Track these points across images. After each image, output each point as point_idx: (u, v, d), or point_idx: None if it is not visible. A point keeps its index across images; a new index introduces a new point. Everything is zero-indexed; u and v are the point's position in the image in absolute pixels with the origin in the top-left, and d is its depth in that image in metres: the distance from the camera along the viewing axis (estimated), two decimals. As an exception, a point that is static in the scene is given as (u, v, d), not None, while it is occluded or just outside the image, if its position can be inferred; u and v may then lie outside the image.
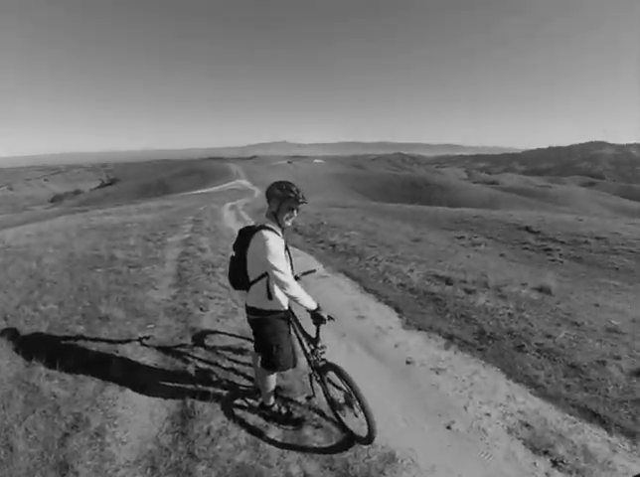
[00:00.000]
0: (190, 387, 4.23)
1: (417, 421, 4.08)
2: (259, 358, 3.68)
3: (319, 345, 3.66)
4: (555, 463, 3.59)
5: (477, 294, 7.39)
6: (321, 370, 3.73)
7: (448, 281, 8.15)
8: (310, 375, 3.99)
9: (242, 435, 3.59)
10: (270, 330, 3.52)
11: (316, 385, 3.97)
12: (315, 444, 3.58)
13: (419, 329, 6.14)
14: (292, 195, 3.33)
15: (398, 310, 6.82)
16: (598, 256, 13.86)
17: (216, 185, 73.67)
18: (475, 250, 14.52)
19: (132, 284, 7.03)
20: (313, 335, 3.69)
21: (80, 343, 5.00)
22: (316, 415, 3.94)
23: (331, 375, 3.70)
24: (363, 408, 3.33)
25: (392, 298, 7.31)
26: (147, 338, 5.26)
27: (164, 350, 4.99)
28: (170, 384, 4.32)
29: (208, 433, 3.56)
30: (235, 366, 4.77)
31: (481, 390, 4.65)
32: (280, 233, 3.38)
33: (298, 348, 4.04)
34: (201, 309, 6.15)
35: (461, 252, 13.02)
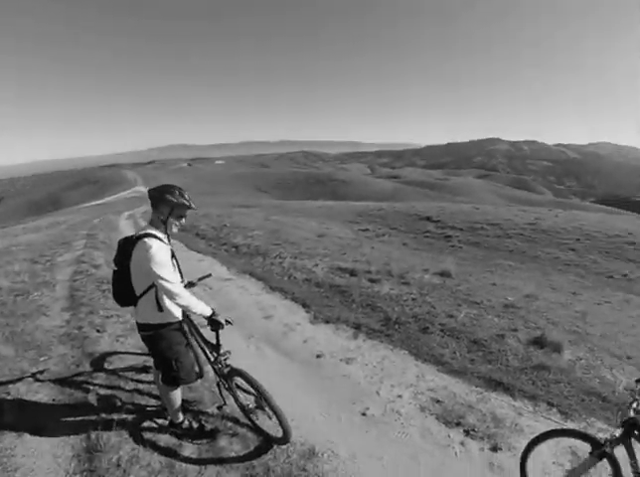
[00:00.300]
0: (93, 417, 3.93)
1: (333, 413, 4.17)
2: (160, 374, 3.56)
3: (221, 351, 3.61)
4: (467, 433, 3.89)
5: (381, 283, 7.74)
6: (227, 376, 3.68)
7: (353, 273, 8.44)
8: (218, 383, 3.91)
9: (156, 459, 3.43)
10: (166, 344, 3.38)
11: (225, 392, 3.90)
12: (233, 454, 3.52)
13: (327, 322, 6.29)
14: (185, 201, 3.23)
15: (304, 306, 6.93)
16: (494, 241, 15.29)
17: (112, 194, 69.66)
18: (379, 241, 15.21)
19: (20, 315, 6.38)
20: (214, 342, 3.62)
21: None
22: (230, 424, 3.88)
23: (238, 380, 3.67)
24: (273, 410, 3.37)
25: (298, 294, 7.42)
26: (41, 372, 4.75)
27: (61, 382, 4.56)
28: (72, 418, 3.97)
29: (118, 465, 3.37)
30: (139, 386, 4.51)
31: (391, 373, 4.88)
32: (166, 240, 3.26)
33: (203, 357, 3.99)
34: (98, 331, 5.76)
35: (366, 244, 13.55)
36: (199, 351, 4.02)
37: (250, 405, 3.73)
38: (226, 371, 3.63)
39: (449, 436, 3.85)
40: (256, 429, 3.76)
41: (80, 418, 3.97)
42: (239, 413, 3.95)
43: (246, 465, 3.39)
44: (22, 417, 4.00)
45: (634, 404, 2.74)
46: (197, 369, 4.04)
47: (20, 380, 4.68)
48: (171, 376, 3.46)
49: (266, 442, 3.64)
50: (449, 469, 3.50)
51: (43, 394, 4.41)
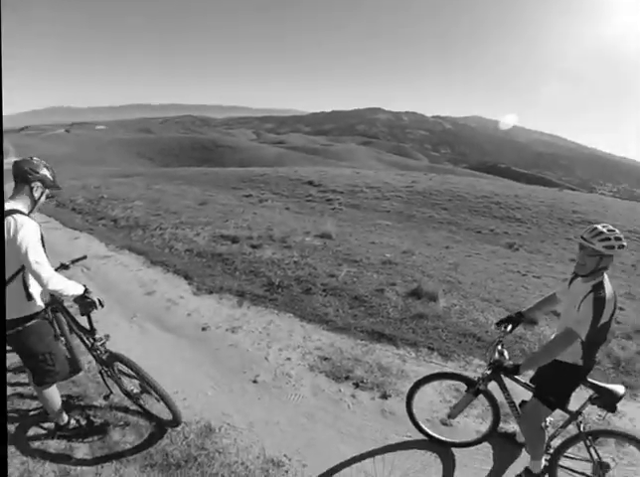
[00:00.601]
0: None
1: (225, 385, 4.08)
2: (31, 375, 3.15)
3: (97, 336, 3.31)
4: (357, 385, 4.06)
5: (263, 248, 7.67)
6: (107, 363, 3.38)
7: (235, 240, 8.25)
8: (100, 371, 3.55)
9: (48, 469, 3.08)
10: (36, 338, 2.97)
11: (110, 380, 3.58)
12: (128, 445, 3.29)
13: (211, 292, 6.10)
14: (50, 177, 2.92)
15: (187, 278, 6.64)
16: (373, 202, 15.96)
17: None
18: (262, 207, 15.09)
19: None
20: (88, 327, 3.30)
21: None
22: (120, 414, 3.61)
23: (119, 365, 3.38)
24: (158, 393, 3.19)
25: (180, 266, 7.08)
26: None
27: None
28: None
29: None
30: (19, 390, 3.95)
31: (278, 337, 4.89)
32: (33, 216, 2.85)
33: (83, 348, 3.63)
34: None
35: (248, 210, 13.37)
36: (74, 340, 3.70)
37: (136, 390, 3.48)
38: (105, 357, 3.33)
39: (340, 391, 3.98)
40: (147, 414, 3.55)
41: None
42: (127, 401, 3.67)
43: (144, 455, 3.19)
44: None
45: (498, 346, 3.01)
46: (69, 361, 3.71)
47: None
48: (45, 372, 3.07)
49: (159, 427, 3.47)
50: (344, 421, 3.62)
51: None
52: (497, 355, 3.00)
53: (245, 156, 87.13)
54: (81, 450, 3.28)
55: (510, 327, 3.12)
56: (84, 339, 3.45)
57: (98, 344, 3.30)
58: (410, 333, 5.03)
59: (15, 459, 3.19)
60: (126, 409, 3.67)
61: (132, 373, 3.26)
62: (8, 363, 4.31)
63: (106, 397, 3.62)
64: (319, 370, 4.28)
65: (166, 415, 3.40)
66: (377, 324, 5.15)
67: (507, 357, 3.00)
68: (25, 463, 3.15)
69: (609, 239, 2.44)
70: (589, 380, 2.69)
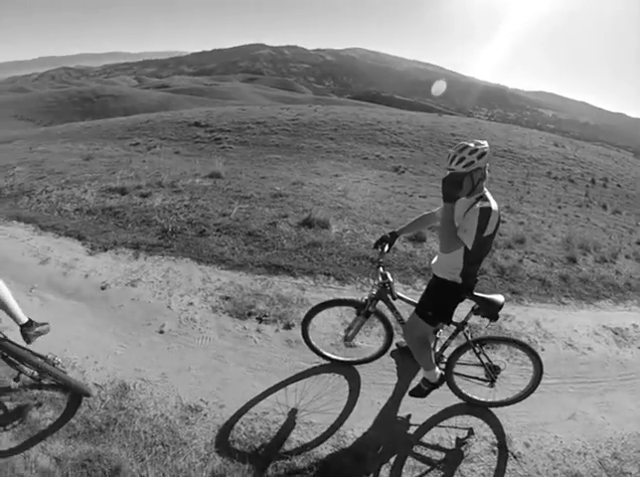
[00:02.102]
0: None
1: (132, 341, 3.87)
2: None
3: None
4: (260, 319, 4.07)
5: (153, 196, 7.20)
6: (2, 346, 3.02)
7: (123, 191, 7.63)
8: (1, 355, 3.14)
9: None
10: None
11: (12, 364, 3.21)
12: (51, 421, 3.07)
13: (105, 249, 5.63)
14: None
15: (80, 238, 6.04)
16: (261, 138, 15.57)
17: None
18: (151, 154, 14.10)
19: None
20: None
21: None
22: (34, 392, 3.31)
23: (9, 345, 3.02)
24: (50, 373, 3.02)
25: (71, 228, 6.42)
26: None
27: None
28: None
29: None
30: None
31: (178, 283, 4.70)
32: None
33: None
34: None
35: (137, 159, 12.41)
36: None
37: (33, 372, 3.18)
38: None
39: (245, 328, 3.97)
40: (63, 387, 3.28)
41: None
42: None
43: (66, 427, 3.00)
44: None
45: (380, 268, 3.07)
46: None
47: None
48: None
49: (74, 394, 3.25)
50: (253, 357, 3.64)
51: None
52: (380, 278, 3.08)
53: (129, 104, 79.91)
54: (5, 440, 2.98)
55: (387, 247, 3.14)
56: None
57: None
58: (306, 262, 5.06)
59: None
60: (39, 386, 3.36)
61: (23, 358, 2.97)
62: None
63: (16, 379, 3.23)
64: (222, 310, 4.22)
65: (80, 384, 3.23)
66: (273, 257, 5.12)
67: (390, 278, 3.08)
68: None
69: (464, 159, 2.41)
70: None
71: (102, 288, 4.75)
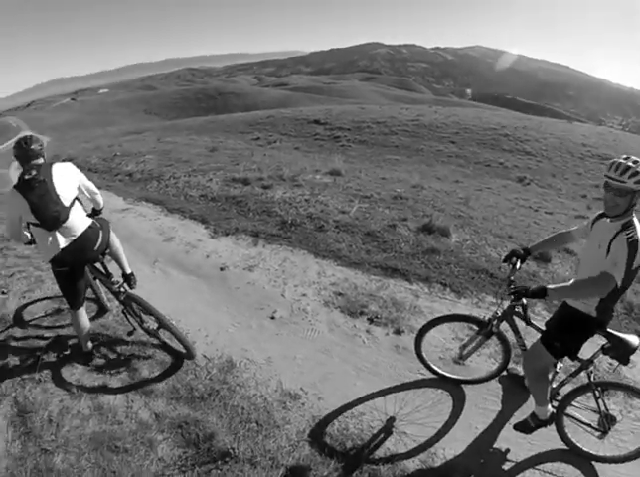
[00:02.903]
0: (18, 379, 3.54)
1: (244, 322, 4.09)
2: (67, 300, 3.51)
3: (114, 280, 3.56)
4: (371, 320, 4.00)
5: (274, 188, 7.50)
6: (126, 303, 3.60)
7: (246, 182, 8.07)
8: (123, 311, 3.76)
9: (84, 405, 3.23)
10: (55, 278, 3.38)
11: (132, 319, 3.75)
12: (152, 375, 3.48)
13: (227, 234, 6.05)
14: (17, 153, 3.13)
15: (203, 221, 6.58)
16: (380, 138, 15.49)
17: None
18: (272, 148, 14.77)
19: None
20: (104, 272, 3.60)
21: None
22: (143, 348, 3.80)
23: (136, 306, 3.58)
24: (169, 329, 3.38)
25: (196, 212, 7.00)
26: None
27: None
28: None
29: (50, 421, 3.11)
30: (58, 331, 4.15)
31: (294, 274, 4.83)
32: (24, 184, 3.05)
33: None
34: (2, 293, 4.98)
35: (258, 152, 13.07)
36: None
37: (153, 327, 3.63)
38: (123, 298, 3.54)
39: (355, 326, 3.93)
40: (165, 347, 3.74)
41: (5, 383, 3.56)
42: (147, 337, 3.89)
43: (170, 389, 3.31)
44: None
45: (511, 286, 2.79)
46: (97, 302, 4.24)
47: None
48: (67, 302, 3.48)
49: (177, 359, 3.62)
50: (359, 356, 3.59)
51: None
52: (511, 297, 2.82)
53: (250, 101, 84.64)
54: (112, 385, 3.40)
55: (518, 264, 2.88)
56: (105, 283, 3.69)
57: (116, 287, 3.51)
58: (423, 268, 4.90)
59: (54, 399, 3.32)
60: (148, 344, 3.84)
61: (147, 312, 3.46)
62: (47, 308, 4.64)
63: (130, 334, 3.81)
64: (334, 305, 4.24)
65: (181, 348, 3.55)
66: (390, 259, 5.03)
67: (524, 300, 2.82)
68: (63, 401, 3.29)
69: (638, 174, 2.10)
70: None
71: (221, 269, 5.07)
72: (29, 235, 3.37)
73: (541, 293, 2.36)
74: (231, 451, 2.74)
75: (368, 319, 4.02)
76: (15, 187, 3.03)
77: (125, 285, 3.58)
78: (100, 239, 3.36)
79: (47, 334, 4.17)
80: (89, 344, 3.69)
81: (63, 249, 3.14)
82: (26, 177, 2.99)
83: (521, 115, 30.84)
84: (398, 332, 3.85)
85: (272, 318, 4.10)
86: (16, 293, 5.05)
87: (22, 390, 3.46)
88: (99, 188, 4.39)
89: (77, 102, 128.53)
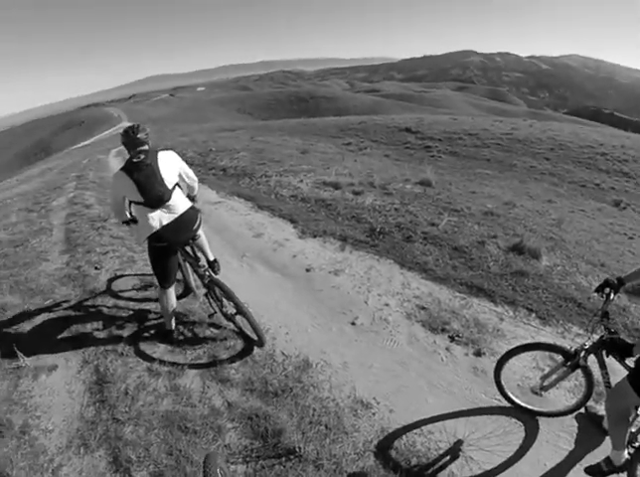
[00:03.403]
0: (102, 348, 3.88)
1: (324, 324, 4.11)
2: (156, 279, 3.75)
3: (201, 263, 3.81)
4: (452, 338, 3.84)
5: (365, 195, 7.48)
6: (209, 286, 3.82)
7: (337, 186, 8.12)
8: (206, 294, 4.02)
9: (161, 384, 3.43)
10: (149, 254, 3.63)
11: (213, 302, 3.97)
12: (224, 356, 3.67)
13: (315, 236, 6.13)
14: (125, 140, 3.34)
15: (292, 221, 6.73)
16: (472, 150, 14.89)
17: (99, 133, 64.03)
18: (362, 154, 14.73)
19: (22, 264, 5.88)
20: (193, 255, 3.87)
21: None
22: (219, 331, 4.02)
23: (218, 290, 3.77)
24: (244, 316, 3.53)
25: (285, 211, 7.18)
26: (51, 308, 4.65)
27: (67, 319, 4.43)
28: (81, 352, 3.89)
29: (126, 393, 3.35)
30: (142, 306, 4.53)
31: (378, 282, 4.78)
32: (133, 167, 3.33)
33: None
34: (96, 268, 5.51)
35: (349, 158, 13.11)
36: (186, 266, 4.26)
37: (231, 312, 3.81)
38: (207, 281, 3.75)
39: (435, 342, 3.81)
40: (240, 333, 3.91)
41: (89, 350, 3.92)
42: (225, 322, 4.07)
43: (245, 380, 3.41)
44: (35, 361, 3.87)
45: (604, 318, 2.56)
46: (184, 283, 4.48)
47: (28, 322, 4.48)
48: (157, 279, 3.71)
49: (248, 344, 3.80)
50: (436, 374, 3.47)
51: (53, 333, 4.26)
52: (602, 329, 2.61)
53: (341, 106, 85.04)
54: (190, 367, 3.58)
55: (612, 294, 2.60)
56: (193, 266, 3.91)
57: (202, 270, 3.73)
58: (510, 290, 4.63)
59: (133, 374, 3.55)
60: (224, 328, 4.06)
61: (228, 297, 3.61)
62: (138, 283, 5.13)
63: (210, 316, 4.12)
64: (416, 318, 4.13)
65: (253, 335, 3.70)
66: (476, 277, 4.81)
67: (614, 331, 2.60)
68: (141, 377, 3.51)
69: None
70: None
71: (307, 270, 5.14)
72: (129, 214, 3.63)
73: (626, 351, 2.31)
74: (297, 450, 2.75)
75: (449, 337, 3.87)
76: (122, 169, 3.30)
77: (210, 270, 3.80)
78: (198, 221, 3.63)
79: (133, 307, 4.52)
80: (173, 323, 3.91)
81: (164, 226, 3.38)
82: (134, 160, 3.26)
83: (619, 132, 28.19)
84: (478, 354, 3.67)
85: (353, 324, 4.09)
86: (109, 270, 5.48)
87: (104, 360, 3.73)
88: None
89: (175, 98, 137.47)
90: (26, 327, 4.39)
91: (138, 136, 3.28)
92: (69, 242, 6.69)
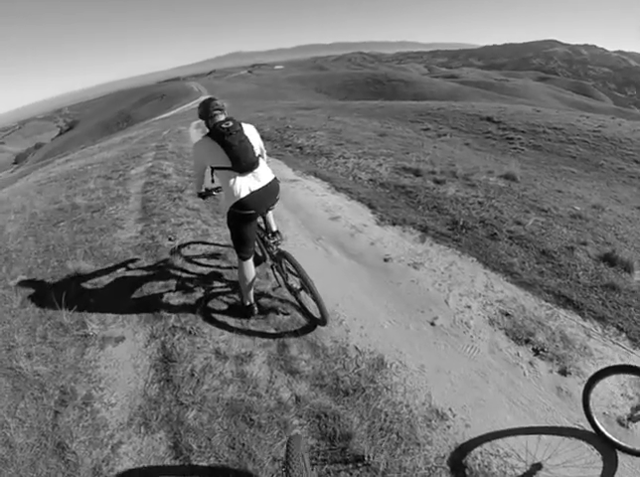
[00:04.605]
0: (171, 322, 3.76)
1: (402, 321, 3.74)
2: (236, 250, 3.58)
3: (270, 235, 3.66)
4: (537, 352, 3.37)
5: (447, 184, 6.87)
6: (277, 258, 3.68)
7: (417, 173, 7.56)
8: (272, 266, 3.93)
9: (227, 369, 3.21)
10: (229, 222, 3.42)
11: (279, 275, 3.89)
12: (287, 329, 3.58)
13: (394, 224, 5.66)
14: (202, 113, 3.28)
15: (370, 206, 6.27)
16: (556, 146, 13.49)
17: (180, 106, 65.34)
18: (441, 141, 13.83)
19: (97, 230, 5.98)
20: (264, 227, 3.70)
21: (53, 308, 4.17)
22: (283, 304, 3.89)
23: (286, 262, 3.57)
24: (312, 293, 3.28)
25: (363, 195, 6.72)
26: (123, 276, 4.66)
27: (139, 288, 4.37)
28: (149, 325, 3.78)
29: (192, 375, 3.17)
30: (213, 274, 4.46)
31: (460, 281, 4.31)
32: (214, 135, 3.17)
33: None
34: (170, 239, 5.45)
35: (428, 143, 12.32)
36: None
37: (296, 286, 3.68)
38: (275, 253, 3.63)
39: (518, 354, 3.35)
40: (303, 309, 3.74)
41: (158, 325, 3.79)
42: (289, 296, 3.95)
43: (316, 374, 3.14)
44: (103, 330, 3.81)
45: None
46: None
47: (100, 289, 4.47)
48: (235, 248, 3.54)
49: (312, 321, 3.63)
50: (516, 389, 3.05)
51: (123, 302, 4.18)
52: None
53: (419, 90, 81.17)
54: (257, 354, 3.34)
55: None
56: (263, 237, 3.79)
57: (271, 241, 3.61)
58: (600, 305, 3.99)
59: (200, 355, 3.36)
60: (287, 302, 3.91)
61: (295, 271, 3.38)
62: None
63: (274, 289, 4.01)
64: (499, 325, 3.65)
65: (316, 313, 3.49)
66: (564, 286, 4.21)
67: None
68: (208, 359, 3.32)
69: None
70: None
71: (385, 260, 4.73)
72: (210, 182, 3.40)
73: None
74: (366, 458, 2.47)
75: (533, 349, 3.39)
76: (207, 136, 3.14)
77: (278, 242, 3.65)
78: (279, 192, 3.45)
79: (206, 275, 4.42)
80: (251, 296, 3.69)
81: (252, 193, 3.19)
82: (223, 126, 3.05)
83: None
84: (563, 372, 3.18)
85: (432, 324, 3.68)
86: (182, 242, 5.36)
87: (172, 337, 3.54)
88: (270, 156, 4.46)
89: (253, 75, 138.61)
90: (97, 294, 4.35)
91: (219, 103, 3.22)
92: (144, 211, 6.65)
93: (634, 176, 11.61)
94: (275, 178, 3.42)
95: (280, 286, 3.97)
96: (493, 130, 15.63)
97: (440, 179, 7.10)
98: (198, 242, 5.28)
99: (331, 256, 4.90)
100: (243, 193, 3.17)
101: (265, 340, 3.51)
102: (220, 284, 4.35)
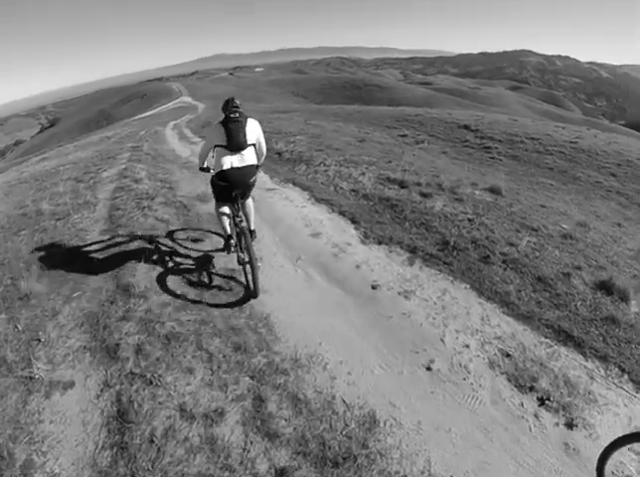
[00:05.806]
0: (129, 366, 3.20)
1: (394, 365, 3.27)
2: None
3: (239, 214, 4.18)
4: (542, 401, 2.98)
5: (434, 198, 6.43)
6: (238, 234, 4.15)
7: (402, 184, 7.11)
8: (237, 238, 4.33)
9: (195, 432, 2.68)
10: (213, 188, 4.32)
11: (239, 249, 4.19)
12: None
13: (380, 242, 5.17)
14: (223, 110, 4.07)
15: (353, 221, 5.75)
16: (534, 156, 13.39)
17: (160, 106, 63.61)
18: (419, 148, 13.52)
19: (58, 242, 5.38)
20: (236, 207, 4.22)
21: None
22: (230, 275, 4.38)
23: (243, 241, 4.04)
24: (252, 268, 3.86)
25: (346, 208, 6.19)
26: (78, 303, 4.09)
27: (95, 320, 3.78)
28: (103, 369, 3.21)
29: (152, 441, 2.62)
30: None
31: (455, 313, 3.87)
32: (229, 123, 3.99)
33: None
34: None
35: (407, 151, 11.95)
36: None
37: (245, 259, 4.05)
38: (237, 230, 4.12)
39: (522, 405, 2.95)
40: (245, 281, 4.19)
41: (113, 370, 3.23)
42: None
43: (298, 437, 2.62)
44: (49, 374, 3.21)
45: None
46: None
47: (51, 317, 3.89)
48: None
49: (244, 290, 4.09)
50: (522, 447, 2.64)
51: (73, 339, 3.61)
52: None
53: (394, 96, 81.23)
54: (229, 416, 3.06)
55: None
56: (235, 213, 4.19)
57: (238, 219, 4.10)
58: (601, 341, 3.63)
59: (162, 412, 2.85)
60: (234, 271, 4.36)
61: (246, 246, 3.94)
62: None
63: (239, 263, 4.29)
64: (500, 369, 3.25)
65: (251, 287, 4.03)
66: (563, 319, 3.84)
67: None
68: (170, 417, 2.84)
69: None
70: None
71: (373, 288, 4.27)
72: (211, 157, 4.12)
73: None
74: None
75: (537, 398, 3.00)
76: (220, 123, 3.97)
77: (245, 222, 4.22)
78: (255, 176, 4.19)
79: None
80: (228, 228, 4.32)
81: (232, 168, 3.96)
82: (231, 116, 3.92)
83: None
84: (569, 425, 2.80)
85: (428, 369, 3.23)
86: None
87: (129, 387, 2.96)
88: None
89: (234, 77, 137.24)
90: (47, 324, 3.75)
91: (236, 102, 4.03)
92: (110, 221, 6.07)
93: (611, 190, 11.54)
94: (256, 165, 4.17)
95: (234, 253, 4.31)
96: (471, 139, 15.43)
97: (427, 192, 6.64)
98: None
99: (312, 281, 4.37)
100: (226, 166, 3.93)
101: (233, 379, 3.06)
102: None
